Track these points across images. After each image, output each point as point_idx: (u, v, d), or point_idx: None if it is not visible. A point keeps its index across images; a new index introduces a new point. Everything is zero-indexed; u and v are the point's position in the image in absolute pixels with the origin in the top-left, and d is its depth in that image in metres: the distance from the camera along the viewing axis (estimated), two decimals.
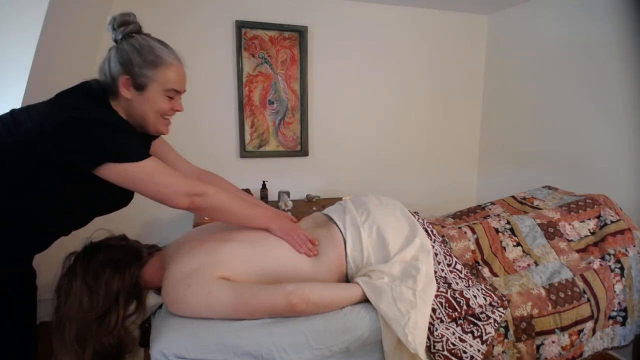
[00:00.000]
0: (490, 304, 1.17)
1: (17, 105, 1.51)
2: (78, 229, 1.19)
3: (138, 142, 1.07)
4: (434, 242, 1.36)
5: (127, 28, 1.07)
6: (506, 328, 1.19)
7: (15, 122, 1.01)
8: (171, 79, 1.09)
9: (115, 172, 0.99)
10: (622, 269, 1.38)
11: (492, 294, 1.20)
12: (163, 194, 1.05)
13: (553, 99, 2.53)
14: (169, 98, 1.10)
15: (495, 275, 1.39)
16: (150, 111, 1.09)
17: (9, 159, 0.98)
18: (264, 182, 2.45)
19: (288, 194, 2.53)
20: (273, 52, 2.61)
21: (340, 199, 2.40)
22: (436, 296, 1.16)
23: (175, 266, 1.13)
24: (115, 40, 1.07)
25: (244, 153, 2.63)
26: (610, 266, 1.38)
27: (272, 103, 2.66)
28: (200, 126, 2.54)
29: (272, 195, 2.57)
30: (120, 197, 1.16)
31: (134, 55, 1.04)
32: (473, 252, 1.45)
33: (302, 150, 2.76)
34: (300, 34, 2.62)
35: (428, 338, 1.09)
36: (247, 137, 2.63)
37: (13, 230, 1.02)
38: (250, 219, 1.22)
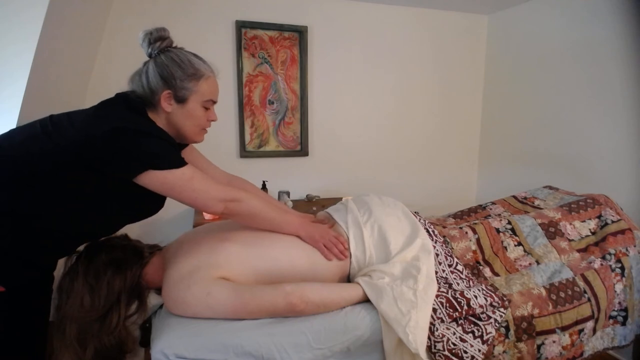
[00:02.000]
0: (491, 304, 1.17)
1: (18, 104, 1.51)
2: (108, 235, 1.22)
3: (176, 150, 1.11)
4: (435, 242, 1.37)
5: (163, 43, 1.10)
6: (507, 328, 1.19)
7: (56, 127, 1.03)
8: (209, 90, 1.13)
9: (156, 179, 1.02)
10: (622, 268, 1.38)
11: (492, 294, 1.21)
12: (200, 200, 1.08)
13: (553, 99, 2.53)
14: (205, 109, 1.15)
15: (497, 274, 1.39)
16: (189, 123, 1.14)
17: (47, 165, 0.99)
18: (264, 182, 2.44)
19: (288, 194, 2.53)
20: (273, 52, 2.60)
21: (341, 199, 2.40)
22: (437, 296, 1.16)
23: (175, 267, 1.13)
24: (150, 55, 1.10)
25: (244, 153, 2.63)
26: (610, 266, 1.38)
27: (272, 103, 2.66)
28: None
29: (272, 195, 2.56)
30: (152, 205, 1.19)
31: (175, 69, 1.08)
32: (474, 252, 1.45)
33: (302, 150, 2.76)
34: (300, 34, 2.62)
35: (429, 338, 1.09)
36: (247, 137, 2.63)
37: (41, 236, 1.03)
38: (282, 224, 1.24)
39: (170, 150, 1.06)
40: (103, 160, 0.99)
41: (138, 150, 1.00)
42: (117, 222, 1.20)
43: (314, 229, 1.27)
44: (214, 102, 1.17)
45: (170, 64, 1.08)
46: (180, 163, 1.06)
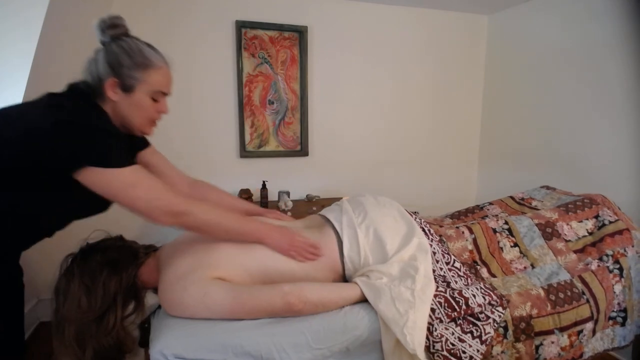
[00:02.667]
0: (490, 303, 1.17)
1: None
2: (59, 230, 1.18)
3: (123, 148, 1.05)
4: (432, 241, 1.37)
5: (116, 30, 1.06)
6: (505, 328, 1.19)
7: (5, 119, 1.01)
8: (158, 81, 1.09)
9: (95, 177, 0.97)
10: (621, 269, 1.38)
11: (491, 292, 1.21)
12: (143, 208, 1.02)
13: (553, 99, 2.53)
14: (154, 100, 1.11)
15: (494, 276, 1.39)
16: (136, 113, 1.09)
17: None
18: (264, 182, 2.44)
19: (288, 194, 2.53)
20: (273, 52, 2.61)
21: (340, 199, 2.40)
22: (435, 296, 1.16)
23: (170, 268, 1.13)
24: (103, 43, 1.07)
25: (244, 153, 2.63)
26: (608, 267, 1.38)
27: (272, 103, 2.66)
28: (200, 126, 2.55)
29: (272, 195, 2.57)
30: (101, 202, 1.11)
31: (124, 57, 1.04)
32: (471, 252, 1.45)
33: (302, 150, 2.76)
34: (300, 34, 2.62)
35: (427, 338, 1.09)
36: (247, 137, 2.63)
37: None
38: (242, 234, 1.19)
39: (115, 147, 1.01)
40: (46, 153, 0.95)
41: (81, 144, 0.95)
42: (65, 219, 1.16)
43: (280, 236, 1.22)
44: (165, 94, 1.14)
45: (119, 52, 1.04)
46: (124, 163, 1.00)
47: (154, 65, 1.08)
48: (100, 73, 1.05)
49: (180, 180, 1.39)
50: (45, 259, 2.10)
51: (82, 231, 1.24)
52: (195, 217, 1.08)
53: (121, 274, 1.14)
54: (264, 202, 2.39)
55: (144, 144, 1.34)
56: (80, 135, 0.96)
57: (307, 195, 2.67)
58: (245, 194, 2.52)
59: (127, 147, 1.14)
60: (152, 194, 1.03)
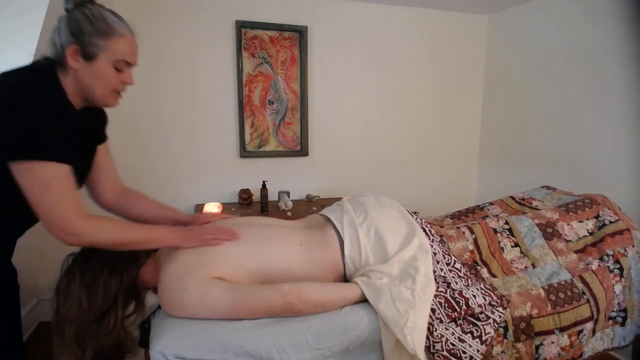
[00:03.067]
0: (490, 304, 1.17)
1: None
2: (29, 227, 1.15)
3: (65, 139, 0.98)
4: (433, 241, 1.37)
5: None
6: (505, 328, 1.19)
7: None
8: (122, 50, 1.05)
9: (21, 170, 0.92)
10: (621, 269, 1.38)
11: (491, 293, 1.21)
12: (43, 215, 0.96)
13: (553, 99, 2.53)
14: (117, 70, 1.07)
15: (494, 276, 1.39)
16: (98, 82, 1.06)
17: None
18: (264, 182, 2.45)
19: (288, 194, 2.53)
20: (273, 52, 2.61)
21: (340, 199, 2.40)
22: (435, 296, 1.16)
23: (168, 268, 1.13)
24: (67, 10, 1.04)
25: (244, 153, 2.63)
26: (609, 267, 1.38)
27: (272, 103, 2.66)
28: (200, 126, 2.55)
29: (272, 195, 2.57)
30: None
31: (86, 23, 1.01)
32: (471, 252, 1.45)
33: (302, 150, 2.76)
34: (300, 34, 2.62)
35: (427, 338, 1.09)
36: (247, 137, 2.63)
37: None
38: (146, 242, 1.12)
39: (50, 136, 0.94)
40: None
41: (17, 130, 0.91)
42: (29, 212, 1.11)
43: (187, 233, 1.19)
44: (129, 64, 1.09)
45: (81, 19, 1.01)
46: (52, 156, 0.93)
47: (116, 33, 1.04)
48: (63, 41, 1.02)
49: (112, 188, 1.34)
50: (45, 259, 2.11)
51: None
52: (90, 238, 1.01)
53: (122, 274, 1.14)
54: (264, 202, 2.39)
55: (103, 138, 1.30)
56: (18, 118, 0.91)
57: (307, 195, 2.68)
58: (245, 194, 2.52)
59: (87, 128, 1.10)
60: (58, 205, 0.96)
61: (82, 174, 1.20)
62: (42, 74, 1.02)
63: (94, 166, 1.25)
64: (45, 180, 0.94)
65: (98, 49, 1.02)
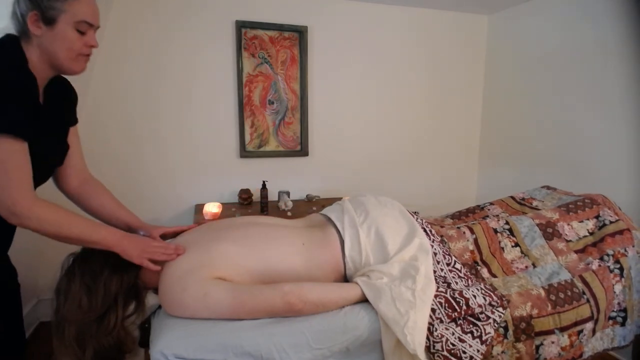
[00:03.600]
0: (490, 304, 1.17)
1: None
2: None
3: (33, 113, 0.97)
4: (433, 241, 1.37)
5: None
6: (505, 328, 1.19)
7: None
8: (82, 11, 1.03)
9: None
10: (621, 269, 1.38)
11: (491, 293, 1.21)
12: None
13: (553, 99, 2.53)
14: (80, 33, 1.05)
15: (494, 276, 1.39)
16: (60, 46, 1.03)
17: None
18: (264, 182, 2.45)
19: (288, 194, 2.53)
20: (273, 52, 2.61)
21: (340, 199, 2.40)
22: (436, 296, 1.16)
23: (170, 268, 1.13)
24: None
25: (244, 153, 2.63)
26: (609, 267, 1.38)
27: (272, 103, 2.66)
28: (200, 126, 2.55)
29: (272, 195, 2.57)
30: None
31: None
32: (472, 252, 1.45)
33: (302, 150, 2.76)
34: (300, 34, 2.62)
35: (427, 338, 1.09)
36: (247, 137, 2.63)
37: None
38: (90, 242, 1.10)
39: (8, 111, 0.92)
40: None
41: None
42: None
43: (130, 244, 1.13)
44: (91, 25, 1.06)
45: None
46: (12, 130, 0.91)
47: None
48: (22, 10, 1.01)
49: (76, 173, 1.31)
50: (45, 259, 2.11)
51: None
52: (33, 223, 0.99)
53: (122, 274, 1.14)
54: (264, 202, 2.39)
55: (74, 120, 1.29)
56: None
57: (307, 195, 2.68)
58: (245, 194, 2.52)
59: (48, 114, 1.07)
60: (5, 182, 0.94)
61: (54, 154, 1.19)
62: (6, 50, 1.00)
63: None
64: None
65: (57, 12, 1.00)
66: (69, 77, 1.21)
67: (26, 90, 1.00)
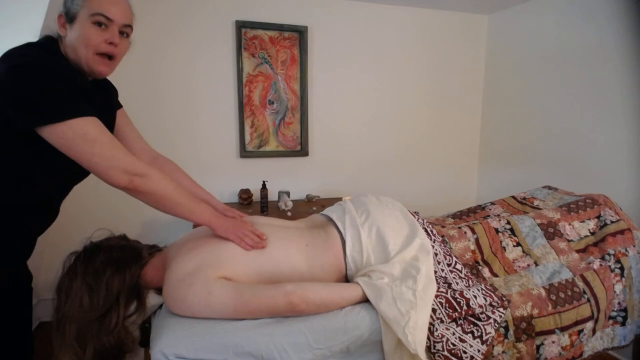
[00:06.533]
0: (491, 304, 1.17)
1: None
2: (54, 204, 1.14)
3: (86, 99, 0.97)
4: (434, 242, 1.37)
5: None
6: (506, 328, 1.19)
7: None
8: (98, 3, 1.00)
9: (54, 132, 0.91)
10: (622, 269, 1.38)
11: (492, 294, 1.21)
12: (101, 167, 0.96)
13: (553, 99, 2.53)
14: (98, 26, 1.00)
15: (495, 275, 1.40)
16: (82, 44, 1.00)
17: None
18: (264, 182, 2.44)
19: (288, 194, 2.53)
20: (273, 52, 2.61)
21: (340, 199, 2.40)
22: (436, 296, 1.16)
23: (177, 265, 1.13)
24: None
25: (244, 153, 2.63)
26: (610, 266, 1.38)
27: (272, 103, 2.66)
28: (201, 126, 2.55)
29: (272, 195, 2.57)
30: (71, 168, 1.01)
31: None
32: (473, 252, 1.45)
33: (302, 150, 2.76)
34: (300, 34, 2.62)
35: (428, 338, 1.09)
36: (247, 137, 2.63)
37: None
38: (192, 211, 1.14)
39: (72, 97, 0.93)
40: (4, 105, 0.90)
41: (35, 92, 0.89)
42: (52, 186, 1.09)
43: (227, 222, 1.20)
44: (110, 20, 1.02)
45: None
46: (82, 112, 0.92)
47: None
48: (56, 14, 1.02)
49: (143, 152, 1.33)
50: (45, 259, 2.10)
51: (84, 231, 1.24)
52: (150, 182, 1.03)
53: (124, 273, 1.14)
54: (264, 202, 2.39)
55: (118, 104, 1.29)
56: (31, 80, 0.90)
57: (307, 195, 2.67)
58: (245, 194, 2.52)
59: (99, 102, 1.08)
60: (111, 152, 0.97)
61: None
62: (46, 49, 1.01)
63: (115, 133, 1.23)
64: (89, 134, 0.93)
65: (78, 7, 1.00)
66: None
67: (80, 81, 1.01)
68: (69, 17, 1.00)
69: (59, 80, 0.93)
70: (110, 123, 1.22)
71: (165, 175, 1.10)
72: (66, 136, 0.92)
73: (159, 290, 1.18)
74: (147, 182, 1.03)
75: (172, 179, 1.14)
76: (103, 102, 1.15)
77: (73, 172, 1.07)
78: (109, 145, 0.98)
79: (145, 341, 1.18)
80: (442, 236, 1.45)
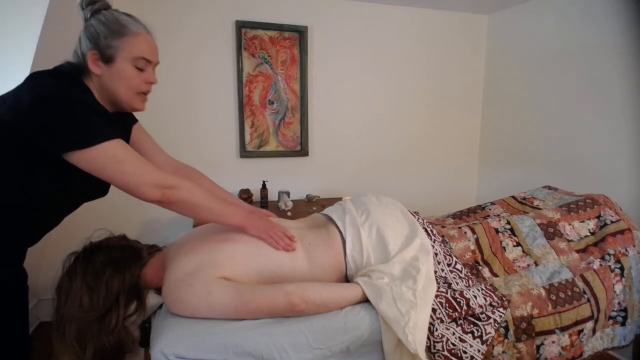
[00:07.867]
0: (491, 304, 1.17)
1: None
2: (63, 217, 1.17)
3: (107, 123, 1.01)
4: (434, 242, 1.37)
5: (94, 6, 1.05)
6: (506, 328, 1.19)
7: None
8: (137, 47, 1.06)
9: (84, 158, 0.95)
10: (622, 269, 1.38)
11: (492, 294, 1.21)
12: (132, 184, 1.00)
13: (553, 99, 2.53)
14: (138, 70, 1.07)
15: (496, 275, 1.40)
16: (120, 84, 1.06)
17: None
18: (264, 182, 2.45)
19: (288, 194, 2.53)
20: (273, 52, 2.61)
21: (340, 199, 2.40)
22: (436, 296, 1.16)
23: (176, 265, 1.13)
24: (85, 19, 1.06)
25: (244, 153, 2.63)
26: (610, 266, 1.38)
27: (272, 103, 2.66)
28: (201, 126, 2.55)
29: (272, 195, 2.57)
30: (99, 182, 1.06)
31: (100, 27, 1.03)
32: (473, 252, 1.45)
33: (302, 150, 2.76)
34: (300, 34, 2.62)
35: (428, 338, 1.09)
36: (247, 137, 2.63)
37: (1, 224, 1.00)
38: (224, 216, 1.18)
39: (96, 122, 0.97)
40: (32, 132, 0.93)
41: (60, 123, 0.93)
42: (68, 203, 1.14)
43: (260, 221, 1.23)
44: (149, 62, 1.09)
45: (96, 24, 1.03)
46: (108, 135, 0.97)
47: (130, 31, 1.06)
48: (83, 49, 1.04)
49: (167, 162, 1.37)
50: (46, 259, 2.11)
51: (84, 230, 1.24)
52: (182, 192, 1.07)
53: (124, 273, 1.14)
54: (264, 202, 2.39)
55: (133, 119, 1.32)
56: (60, 112, 0.93)
57: (307, 195, 2.68)
58: (245, 194, 2.52)
59: (116, 122, 1.11)
60: (141, 170, 1.01)
61: None
62: (67, 79, 1.03)
63: (133, 145, 1.26)
64: (117, 156, 0.98)
65: (115, 50, 1.04)
66: None
67: (99, 106, 1.04)
68: (104, 57, 1.04)
69: (85, 108, 0.97)
70: (127, 140, 1.25)
71: (194, 183, 1.14)
72: (96, 160, 0.97)
73: (159, 290, 1.18)
74: (179, 192, 1.07)
75: (198, 185, 1.18)
76: (118, 120, 1.19)
77: (90, 194, 1.15)
78: (137, 163, 1.02)
79: (145, 341, 1.18)
80: (442, 236, 1.45)
